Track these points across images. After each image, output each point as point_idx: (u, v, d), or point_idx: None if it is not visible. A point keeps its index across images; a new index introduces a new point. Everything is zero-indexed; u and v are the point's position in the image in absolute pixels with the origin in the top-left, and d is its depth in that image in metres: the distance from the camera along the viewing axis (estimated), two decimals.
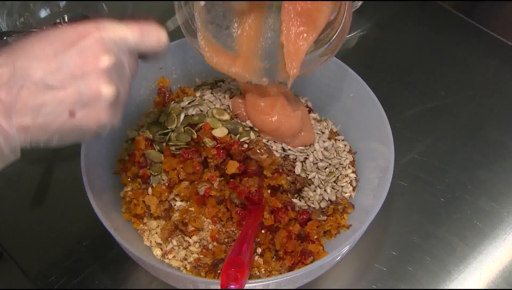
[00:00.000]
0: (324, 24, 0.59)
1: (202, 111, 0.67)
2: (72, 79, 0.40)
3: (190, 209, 0.65)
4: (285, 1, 0.58)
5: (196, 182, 0.65)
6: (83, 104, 0.41)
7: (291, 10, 0.57)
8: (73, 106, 0.41)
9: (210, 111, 0.67)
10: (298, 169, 0.66)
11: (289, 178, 0.65)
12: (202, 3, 0.58)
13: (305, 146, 0.68)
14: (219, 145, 0.63)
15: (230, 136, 0.65)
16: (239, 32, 0.61)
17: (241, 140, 0.64)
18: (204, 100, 0.69)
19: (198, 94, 0.71)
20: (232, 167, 0.62)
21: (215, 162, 0.63)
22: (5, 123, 0.39)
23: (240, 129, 0.65)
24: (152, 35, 0.46)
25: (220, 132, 0.64)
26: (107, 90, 0.42)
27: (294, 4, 0.58)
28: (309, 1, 0.58)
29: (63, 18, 0.93)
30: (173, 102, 0.70)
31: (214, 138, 0.64)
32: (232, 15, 0.61)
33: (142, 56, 0.48)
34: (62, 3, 0.97)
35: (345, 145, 0.72)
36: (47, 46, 0.41)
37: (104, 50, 0.42)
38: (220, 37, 0.62)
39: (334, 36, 0.61)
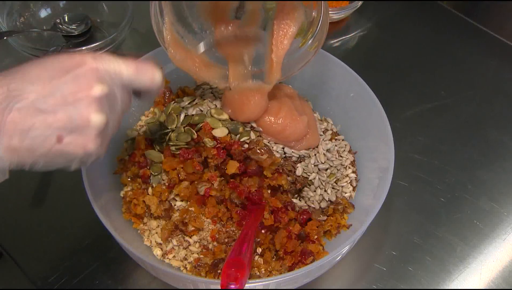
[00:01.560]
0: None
1: (202, 111, 0.67)
2: (63, 104, 0.41)
3: (190, 209, 0.65)
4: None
5: (196, 182, 0.65)
6: (72, 130, 0.41)
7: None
8: (61, 131, 0.41)
9: (210, 111, 0.67)
10: (299, 171, 0.65)
11: (289, 178, 0.64)
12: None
13: (309, 148, 0.68)
14: (219, 145, 0.63)
15: (230, 136, 0.65)
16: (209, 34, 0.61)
17: (241, 140, 0.64)
18: (204, 100, 0.69)
19: (198, 94, 0.71)
20: (232, 167, 0.62)
21: (215, 162, 0.63)
22: None
23: (240, 129, 0.65)
24: (146, 74, 0.47)
25: (220, 132, 0.64)
26: (96, 118, 0.42)
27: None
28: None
29: (63, 18, 0.93)
30: (173, 102, 0.69)
31: (214, 138, 0.63)
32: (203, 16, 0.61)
33: (136, 93, 0.49)
34: (62, 3, 0.97)
35: (345, 145, 0.72)
36: (43, 71, 0.41)
37: (98, 79, 0.42)
38: (187, 34, 0.61)
39: (317, 31, 0.61)
